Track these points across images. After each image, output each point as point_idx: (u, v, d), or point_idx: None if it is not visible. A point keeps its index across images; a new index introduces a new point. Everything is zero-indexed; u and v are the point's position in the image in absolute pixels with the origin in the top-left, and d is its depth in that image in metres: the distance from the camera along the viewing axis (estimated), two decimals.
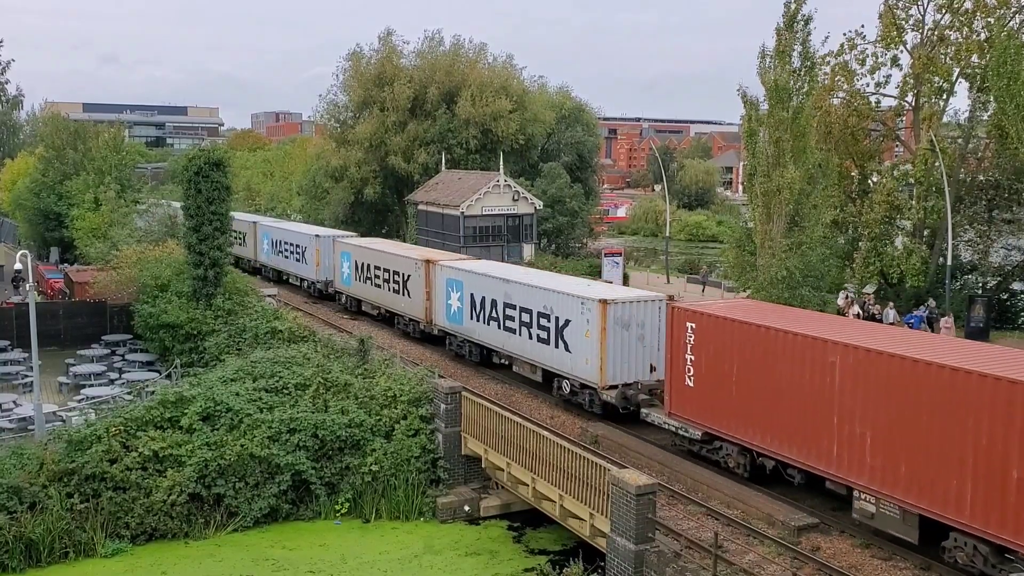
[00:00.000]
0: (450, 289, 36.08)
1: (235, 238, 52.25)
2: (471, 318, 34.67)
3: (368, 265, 43.73)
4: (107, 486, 22.93)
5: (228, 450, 23.92)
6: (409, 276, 39.29)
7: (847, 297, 42.77)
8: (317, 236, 50.09)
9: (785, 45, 36.83)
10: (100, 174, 61.25)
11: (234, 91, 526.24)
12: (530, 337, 31.07)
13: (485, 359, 35.07)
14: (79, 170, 64.01)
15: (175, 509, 23.19)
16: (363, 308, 45.40)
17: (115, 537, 22.64)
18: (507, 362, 33.30)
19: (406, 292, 39.62)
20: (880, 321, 39.25)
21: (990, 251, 48.12)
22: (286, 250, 54.78)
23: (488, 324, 33.56)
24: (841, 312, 40.91)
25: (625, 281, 53.88)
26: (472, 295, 34.40)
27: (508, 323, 32.25)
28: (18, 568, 21.51)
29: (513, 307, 31.95)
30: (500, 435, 24.30)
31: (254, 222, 61.08)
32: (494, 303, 33.01)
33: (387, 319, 42.95)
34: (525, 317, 31.26)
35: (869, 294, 43.31)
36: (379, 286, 42.41)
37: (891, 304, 40.71)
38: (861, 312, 40.33)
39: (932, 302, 41.28)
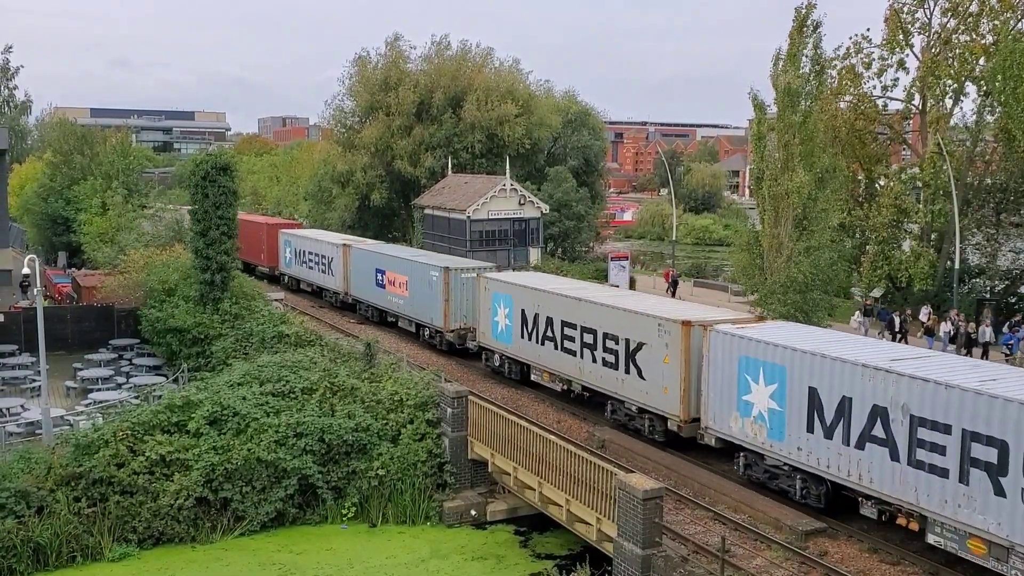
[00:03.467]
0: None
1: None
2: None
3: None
4: (114, 490, 22.94)
5: (235, 454, 23.92)
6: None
7: (930, 315, 40.47)
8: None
9: (796, 49, 36.81)
10: (107, 179, 61.40)
11: (243, 94, 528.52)
12: None
13: None
14: (86, 175, 64.17)
15: (182, 513, 23.19)
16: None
17: (122, 541, 22.64)
18: None
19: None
20: (975, 340, 37.14)
21: (998, 254, 48.01)
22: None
23: None
24: (928, 330, 38.64)
25: (632, 285, 53.83)
26: None
27: None
28: (26, 572, 21.52)
29: None
30: (506, 439, 24.28)
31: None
32: None
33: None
34: None
35: (959, 312, 40.06)
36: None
37: (987, 322, 38.44)
38: (952, 330, 37.71)
39: None
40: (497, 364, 34.58)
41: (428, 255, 43.81)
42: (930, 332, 38.71)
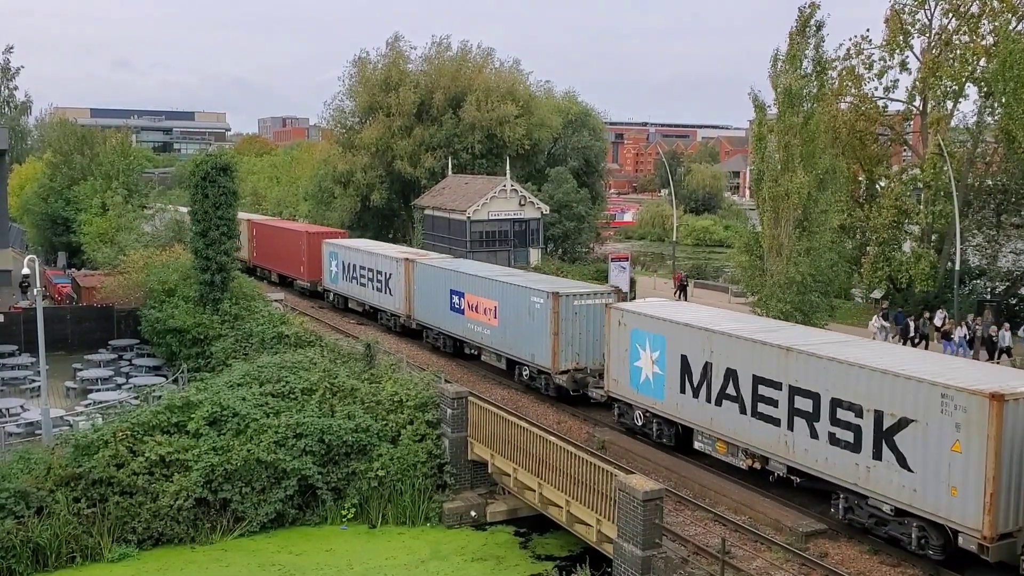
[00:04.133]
0: None
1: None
2: None
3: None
4: (114, 491, 22.94)
5: (234, 455, 23.90)
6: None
7: (946, 318, 39.31)
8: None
9: (797, 50, 36.75)
10: (107, 179, 61.36)
11: (243, 94, 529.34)
12: None
13: None
14: (86, 175, 64.16)
15: (181, 514, 23.18)
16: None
17: (122, 542, 22.63)
18: None
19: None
20: (995, 344, 36.36)
21: (999, 256, 48.00)
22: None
23: None
24: (945, 334, 37.74)
25: (632, 286, 53.77)
26: None
27: None
28: (25, 573, 21.51)
29: None
30: (506, 440, 24.25)
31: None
32: None
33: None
34: None
35: (977, 316, 39.25)
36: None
37: (1006, 325, 37.53)
38: (968, 333, 36.90)
39: None
40: (639, 423, 27.19)
41: (524, 275, 36.52)
42: (947, 336, 37.67)
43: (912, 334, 38.65)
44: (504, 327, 33.46)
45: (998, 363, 34.21)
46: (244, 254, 60.09)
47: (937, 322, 39.59)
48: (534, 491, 23.18)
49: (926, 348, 37.59)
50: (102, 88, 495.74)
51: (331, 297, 50.57)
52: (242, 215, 64.39)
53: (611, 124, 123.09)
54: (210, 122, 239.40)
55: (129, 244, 47.79)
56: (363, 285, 45.97)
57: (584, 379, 30.22)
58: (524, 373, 32.88)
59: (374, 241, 54.68)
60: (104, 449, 23.29)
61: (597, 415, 29.97)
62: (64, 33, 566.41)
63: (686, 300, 49.18)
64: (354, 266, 46.95)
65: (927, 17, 45.45)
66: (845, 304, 46.94)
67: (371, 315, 45.83)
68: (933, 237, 46.12)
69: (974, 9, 43.83)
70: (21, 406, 30.82)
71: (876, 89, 46.67)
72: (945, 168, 41.82)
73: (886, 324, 39.53)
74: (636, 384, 26.98)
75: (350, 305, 48.49)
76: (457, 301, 36.80)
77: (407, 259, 41.48)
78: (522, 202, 56.11)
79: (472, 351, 36.64)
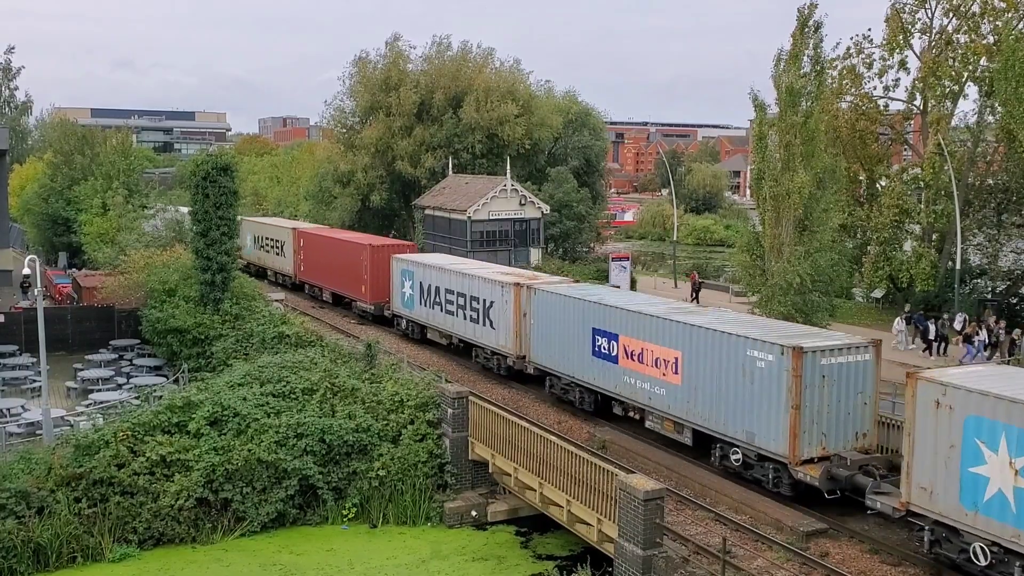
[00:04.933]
0: None
1: None
2: None
3: None
4: (115, 491, 22.95)
5: (235, 455, 23.92)
6: None
7: (966, 321, 38.30)
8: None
9: (797, 49, 36.79)
10: (108, 179, 61.37)
11: (244, 95, 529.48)
12: None
13: None
14: (87, 175, 64.16)
15: (182, 514, 23.21)
16: None
17: (122, 542, 22.65)
18: None
19: None
20: (1018, 347, 35.77)
21: (1000, 255, 48.00)
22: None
23: None
24: (967, 337, 36.64)
25: (633, 286, 53.74)
26: None
27: None
28: (26, 572, 21.53)
29: None
30: (507, 440, 24.26)
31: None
32: None
33: None
34: None
35: (996, 317, 39.00)
36: None
37: None
38: (988, 338, 36.19)
39: None
40: (982, 561, 17.75)
41: (725, 317, 26.53)
42: (968, 339, 36.61)
43: (932, 337, 38.30)
44: (693, 388, 24.62)
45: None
46: (290, 268, 55.26)
47: (957, 325, 39.07)
48: (535, 491, 23.19)
49: (944, 352, 37.40)
50: (102, 88, 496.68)
51: (403, 325, 41.63)
52: (287, 223, 61.27)
53: (611, 124, 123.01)
54: (210, 122, 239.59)
55: (130, 244, 47.78)
56: (450, 313, 37.27)
57: (851, 477, 20.77)
58: (732, 457, 23.57)
59: (463, 258, 45.21)
60: (105, 449, 23.32)
61: (597, 418, 29.34)
62: (64, 33, 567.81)
63: (698, 303, 48.23)
64: (437, 289, 38.20)
65: (927, 16, 45.50)
66: (846, 304, 46.94)
67: (462, 350, 37.59)
68: (934, 236, 46.14)
69: (975, 8, 43.85)
70: (22, 406, 30.82)
71: (876, 88, 46.75)
72: (946, 167, 41.83)
73: (907, 327, 39.21)
74: (974, 502, 17.84)
75: (429, 336, 39.83)
76: (605, 344, 28.09)
77: (518, 284, 32.71)
78: (522, 202, 56.10)
79: (629, 411, 27.79)
